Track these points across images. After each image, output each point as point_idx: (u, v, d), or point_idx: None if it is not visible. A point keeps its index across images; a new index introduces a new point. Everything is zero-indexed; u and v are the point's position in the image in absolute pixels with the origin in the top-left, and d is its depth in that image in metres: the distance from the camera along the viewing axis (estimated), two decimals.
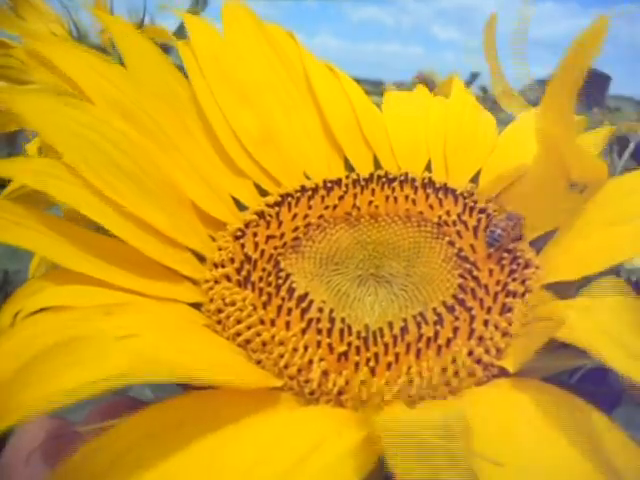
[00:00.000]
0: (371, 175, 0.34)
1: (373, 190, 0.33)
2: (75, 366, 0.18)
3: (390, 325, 0.25)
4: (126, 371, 0.17)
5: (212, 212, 0.30)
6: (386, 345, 0.24)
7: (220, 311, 0.26)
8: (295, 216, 0.32)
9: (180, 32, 0.56)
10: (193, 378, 0.18)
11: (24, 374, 0.18)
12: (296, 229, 0.31)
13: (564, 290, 0.27)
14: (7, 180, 0.25)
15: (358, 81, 0.38)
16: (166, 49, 0.33)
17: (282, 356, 0.24)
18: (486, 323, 0.25)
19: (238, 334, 0.25)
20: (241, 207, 0.33)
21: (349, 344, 0.24)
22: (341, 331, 0.24)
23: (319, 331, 0.24)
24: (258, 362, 0.24)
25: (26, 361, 0.18)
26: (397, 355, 0.24)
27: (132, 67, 0.31)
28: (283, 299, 0.26)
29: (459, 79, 0.38)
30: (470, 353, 0.24)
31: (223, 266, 0.28)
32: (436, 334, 0.24)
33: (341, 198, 0.33)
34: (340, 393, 0.23)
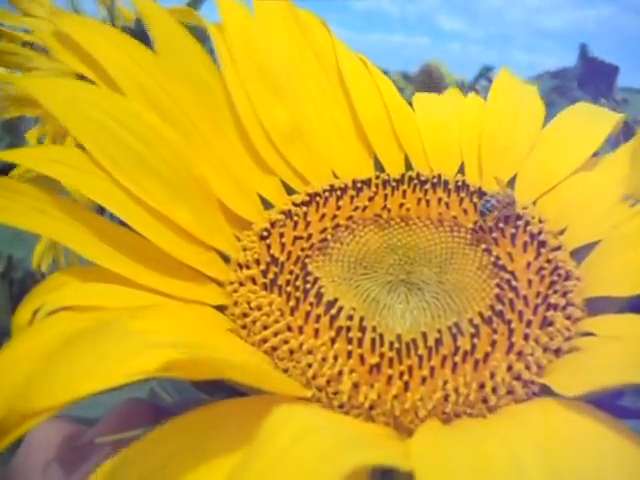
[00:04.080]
0: (402, 176, 0.32)
1: (404, 192, 0.32)
2: (107, 357, 0.17)
3: (424, 336, 0.23)
4: (163, 365, 0.16)
5: (238, 210, 0.29)
6: (420, 357, 0.23)
7: (245, 315, 0.25)
8: (323, 216, 0.30)
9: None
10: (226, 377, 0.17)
11: (46, 367, 0.17)
12: (324, 230, 0.30)
13: (606, 305, 0.26)
14: (9, 165, 0.24)
15: None
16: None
17: (310, 366, 0.23)
18: (526, 337, 0.24)
19: (264, 340, 0.24)
20: (266, 205, 0.31)
21: (381, 355, 0.23)
22: (373, 341, 0.23)
23: (349, 340, 0.23)
24: (285, 371, 0.23)
25: (46, 359, 0.17)
26: (432, 369, 0.22)
27: (164, 54, 0.30)
28: (311, 304, 0.25)
29: (504, 74, 0.36)
30: (509, 368, 0.23)
31: (248, 267, 0.27)
32: (473, 347, 0.23)
33: (371, 199, 0.31)
34: (371, 407, 0.21)
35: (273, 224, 0.30)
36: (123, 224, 0.25)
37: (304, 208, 0.30)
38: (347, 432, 0.17)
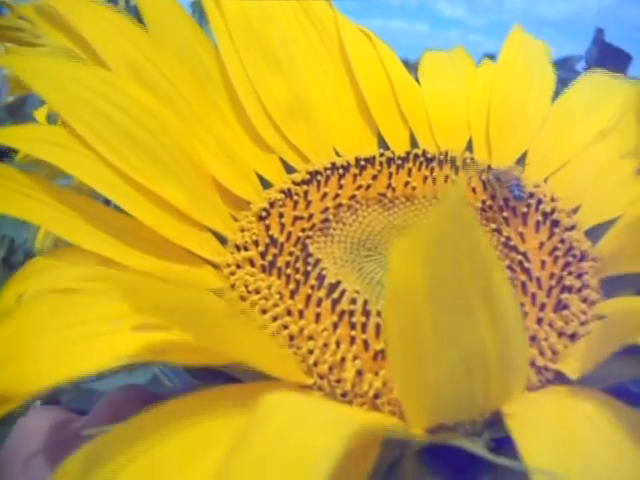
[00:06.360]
0: (407, 153, 0.31)
1: (410, 170, 0.30)
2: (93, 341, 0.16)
3: None
4: (152, 349, 0.15)
5: (235, 189, 0.28)
6: None
7: (243, 299, 0.24)
8: (325, 196, 0.29)
9: None
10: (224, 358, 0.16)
11: (28, 353, 0.16)
12: (325, 210, 0.28)
13: (622, 287, 0.24)
14: (10, 149, 0.23)
15: None
16: None
17: (311, 352, 0.21)
18: (539, 321, 0.22)
19: (263, 326, 0.23)
20: (265, 184, 0.30)
21: (387, 341, 0.21)
22: (377, 326, 0.22)
23: (353, 325, 0.22)
24: None
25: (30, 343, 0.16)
26: None
27: (154, 29, 0.28)
28: (312, 287, 0.24)
29: (512, 42, 0.34)
30: None
31: (246, 249, 0.26)
32: None
33: (375, 178, 0.30)
34: (376, 396, 0.20)
35: (272, 204, 0.28)
36: (115, 206, 0.23)
37: (305, 187, 0.29)
38: (349, 411, 0.15)
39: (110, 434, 0.15)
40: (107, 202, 0.26)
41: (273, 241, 0.26)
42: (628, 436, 0.16)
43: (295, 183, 0.29)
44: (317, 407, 0.15)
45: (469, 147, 0.32)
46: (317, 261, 0.25)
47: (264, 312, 0.23)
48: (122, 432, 0.15)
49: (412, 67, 0.36)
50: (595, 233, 0.27)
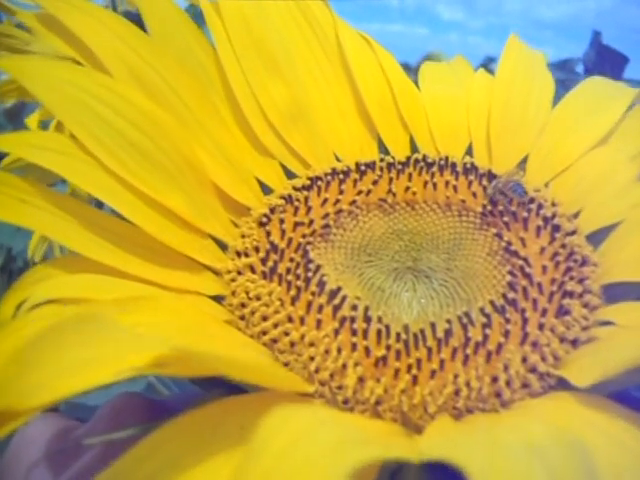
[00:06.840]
0: (408, 158, 0.31)
1: (410, 175, 0.30)
2: (96, 353, 0.15)
3: (433, 326, 0.22)
4: (153, 362, 0.15)
5: (235, 195, 0.28)
6: (429, 349, 0.21)
7: (244, 306, 0.24)
8: (325, 201, 0.29)
9: None
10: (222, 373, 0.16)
11: (28, 365, 0.16)
12: (326, 216, 0.28)
13: (625, 292, 0.24)
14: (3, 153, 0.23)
15: None
16: None
17: (313, 359, 0.21)
18: (541, 327, 0.22)
19: (264, 332, 0.23)
20: (265, 190, 0.30)
21: (388, 347, 0.21)
22: (378, 332, 0.22)
23: (354, 332, 0.22)
24: (286, 364, 0.22)
25: (28, 355, 0.16)
26: (442, 361, 0.21)
27: (155, 34, 0.28)
28: (313, 294, 0.23)
29: (511, 48, 0.34)
30: (524, 360, 0.21)
31: (247, 255, 0.26)
32: (485, 338, 0.22)
33: (375, 183, 0.30)
34: (378, 403, 0.20)
35: (273, 210, 0.28)
36: (114, 213, 0.23)
37: (305, 192, 0.29)
38: (351, 429, 0.15)
39: (122, 459, 0.15)
40: (100, 205, 0.26)
41: (274, 247, 0.26)
42: (635, 441, 0.16)
43: (295, 189, 0.29)
44: (323, 422, 0.15)
45: (469, 152, 0.32)
46: (318, 267, 0.25)
47: (265, 319, 0.23)
48: (135, 454, 0.15)
49: (412, 70, 0.36)
50: (596, 238, 0.27)
